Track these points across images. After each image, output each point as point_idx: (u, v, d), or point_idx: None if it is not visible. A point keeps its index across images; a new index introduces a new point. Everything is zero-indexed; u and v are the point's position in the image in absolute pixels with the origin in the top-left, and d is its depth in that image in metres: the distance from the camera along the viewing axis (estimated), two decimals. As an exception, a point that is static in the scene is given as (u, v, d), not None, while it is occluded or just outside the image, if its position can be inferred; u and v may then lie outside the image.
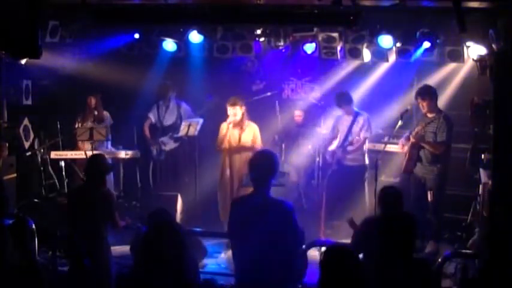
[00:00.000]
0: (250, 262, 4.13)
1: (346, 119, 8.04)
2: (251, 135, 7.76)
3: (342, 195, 7.91)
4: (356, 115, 7.98)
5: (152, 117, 8.93)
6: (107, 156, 8.14)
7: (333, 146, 8.11)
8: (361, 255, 4.94)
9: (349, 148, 7.95)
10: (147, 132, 8.94)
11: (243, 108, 7.71)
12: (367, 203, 7.89)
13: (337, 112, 8.22)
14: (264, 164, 4.21)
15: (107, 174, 5.87)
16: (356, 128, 7.94)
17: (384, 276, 3.72)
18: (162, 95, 8.91)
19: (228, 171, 7.78)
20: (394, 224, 3.80)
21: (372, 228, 4.63)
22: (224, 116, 7.89)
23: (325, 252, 3.52)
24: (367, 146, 8.01)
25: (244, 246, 4.16)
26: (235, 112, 7.66)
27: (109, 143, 8.65)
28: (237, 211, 4.29)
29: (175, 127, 8.80)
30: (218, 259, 7.29)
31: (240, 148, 7.73)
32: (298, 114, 8.94)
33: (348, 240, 6.87)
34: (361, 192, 7.93)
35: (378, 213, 5.13)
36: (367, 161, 8.01)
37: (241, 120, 7.73)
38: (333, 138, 8.16)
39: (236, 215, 4.27)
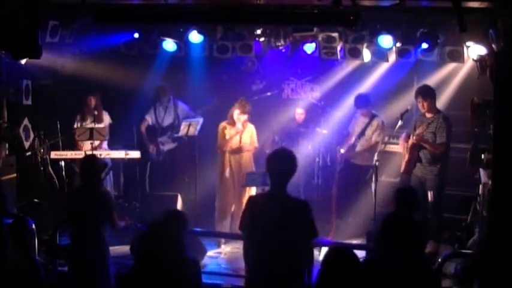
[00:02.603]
0: (264, 256, 4.23)
1: (362, 120, 8.17)
2: (249, 136, 7.79)
3: (349, 194, 7.96)
4: (372, 118, 8.08)
5: (149, 118, 8.94)
6: (106, 156, 8.19)
7: (345, 147, 8.20)
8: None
9: (357, 149, 8.01)
10: (144, 133, 8.94)
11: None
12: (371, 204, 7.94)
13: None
14: (282, 162, 4.34)
15: (101, 174, 5.87)
16: (369, 131, 8.05)
17: (389, 275, 3.73)
18: (159, 97, 8.92)
19: (227, 173, 7.77)
20: (405, 225, 3.83)
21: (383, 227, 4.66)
22: (224, 115, 7.88)
23: (327, 252, 3.53)
24: (380, 148, 8.00)
25: (260, 241, 4.25)
26: (245, 120, 7.65)
27: (105, 142, 8.64)
28: (254, 207, 4.40)
29: (173, 127, 8.81)
30: (218, 259, 7.29)
31: (241, 149, 7.75)
32: (299, 112, 8.92)
33: (347, 240, 6.89)
34: (368, 191, 7.96)
35: (390, 213, 5.15)
36: (375, 162, 8.02)
37: (243, 124, 7.73)
38: (349, 137, 8.24)
39: (254, 211, 4.38)
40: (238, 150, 7.76)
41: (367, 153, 7.99)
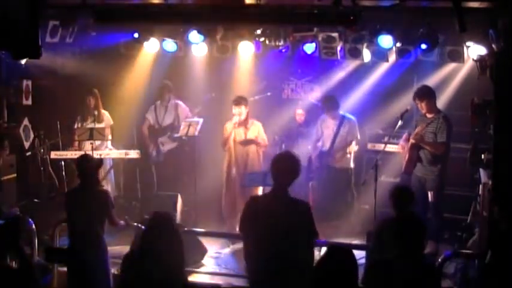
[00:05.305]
0: (266, 257, 4.23)
1: (331, 121, 8.18)
2: (255, 133, 7.85)
3: (330, 197, 7.97)
4: (342, 119, 8.08)
5: (150, 118, 8.91)
6: (106, 156, 8.20)
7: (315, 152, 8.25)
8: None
9: (336, 153, 8.06)
10: (146, 133, 8.91)
11: (247, 107, 7.79)
12: (355, 205, 7.96)
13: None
14: (285, 165, 4.38)
15: (97, 172, 5.87)
16: (343, 132, 8.03)
17: (395, 276, 3.73)
18: (160, 96, 8.91)
19: (234, 170, 7.81)
20: (409, 225, 3.85)
21: (386, 228, 4.66)
22: (224, 116, 7.88)
23: (326, 251, 3.54)
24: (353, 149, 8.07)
25: (259, 242, 4.27)
26: (240, 111, 7.71)
27: (109, 142, 8.64)
28: (255, 208, 4.40)
29: (173, 127, 8.79)
30: (218, 259, 7.29)
31: (246, 142, 7.78)
32: (300, 113, 8.93)
33: (346, 240, 6.89)
34: (349, 194, 7.98)
35: (391, 213, 5.16)
36: (352, 164, 8.08)
37: (246, 119, 7.79)
38: (318, 140, 8.27)
39: (253, 211, 4.39)
40: (244, 148, 7.78)
41: (344, 155, 8.05)
